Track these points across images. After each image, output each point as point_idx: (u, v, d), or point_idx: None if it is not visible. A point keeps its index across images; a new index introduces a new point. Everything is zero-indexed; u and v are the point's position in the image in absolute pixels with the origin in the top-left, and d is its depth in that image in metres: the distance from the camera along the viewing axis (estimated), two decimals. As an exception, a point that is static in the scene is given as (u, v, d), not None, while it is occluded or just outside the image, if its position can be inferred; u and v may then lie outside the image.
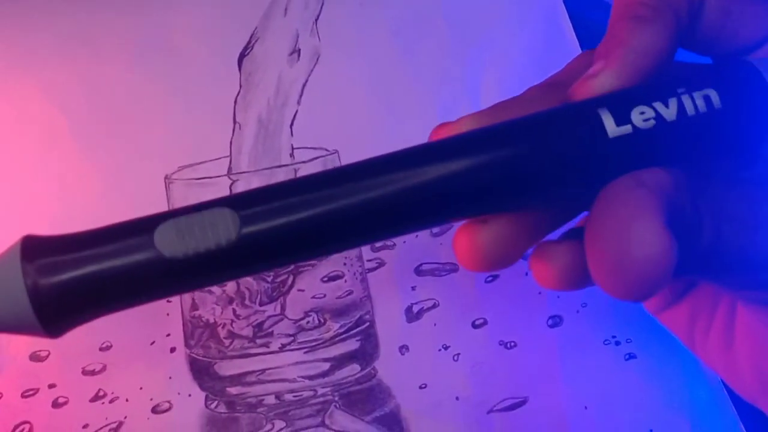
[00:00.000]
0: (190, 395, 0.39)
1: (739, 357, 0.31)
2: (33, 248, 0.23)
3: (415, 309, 0.42)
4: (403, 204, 0.24)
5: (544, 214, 0.25)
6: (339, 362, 0.41)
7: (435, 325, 0.42)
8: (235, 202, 0.23)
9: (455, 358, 0.41)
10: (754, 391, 0.32)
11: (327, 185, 0.24)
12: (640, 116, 0.24)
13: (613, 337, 0.42)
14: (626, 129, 0.24)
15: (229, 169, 0.43)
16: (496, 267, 0.25)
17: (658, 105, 0.24)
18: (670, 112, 0.24)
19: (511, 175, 0.24)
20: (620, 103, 0.24)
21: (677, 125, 0.24)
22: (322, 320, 0.41)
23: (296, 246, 0.24)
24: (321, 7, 0.47)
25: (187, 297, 0.41)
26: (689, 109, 0.24)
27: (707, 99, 0.25)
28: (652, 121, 0.24)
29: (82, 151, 0.44)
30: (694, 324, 0.33)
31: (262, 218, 0.23)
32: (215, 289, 0.41)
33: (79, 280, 0.22)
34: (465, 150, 0.24)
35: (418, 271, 0.43)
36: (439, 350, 0.41)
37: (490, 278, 0.43)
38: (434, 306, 0.42)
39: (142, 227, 0.23)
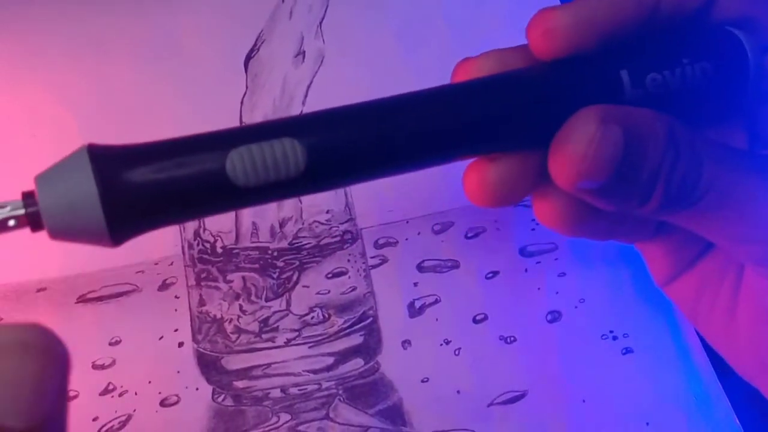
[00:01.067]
0: (197, 389, 0.39)
1: (740, 336, 0.32)
2: (102, 155, 0.23)
3: (417, 304, 0.42)
4: (445, 131, 0.26)
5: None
6: (343, 357, 0.41)
7: (437, 320, 0.42)
8: (302, 132, 0.25)
9: (456, 352, 0.41)
10: (751, 370, 0.33)
11: (382, 113, 0.26)
12: (652, 82, 0.27)
13: (611, 332, 0.42)
14: (639, 92, 0.27)
15: (236, 168, 0.44)
16: (501, 202, 0.27)
17: (667, 73, 0.27)
18: (675, 80, 0.27)
19: (536, 117, 0.27)
20: (639, 67, 0.27)
21: (677, 91, 0.27)
22: (326, 316, 0.41)
23: (355, 171, 0.26)
24: (325, 10, 0.47)
25: (194, 293, 0.41)
26: (689, 78, 0.27)
27: (703, 69, 0.27)
28: (660, 87, 0.27)
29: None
30: (699, 299, 0.34)
31: (327, 149, 0.25)
32: (222, 285, 0.41)
33: (150, 189, 0.23)
34: (502, 88, 0.27)
35: (420, 268, 0.43)
36: (441, 345, 0.41)
37: (491, 274, 0.43)
38: (436, 302, 0.42)
39: (215, 150, 0.24)
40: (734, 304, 0.32)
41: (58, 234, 0.23)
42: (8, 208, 0.23)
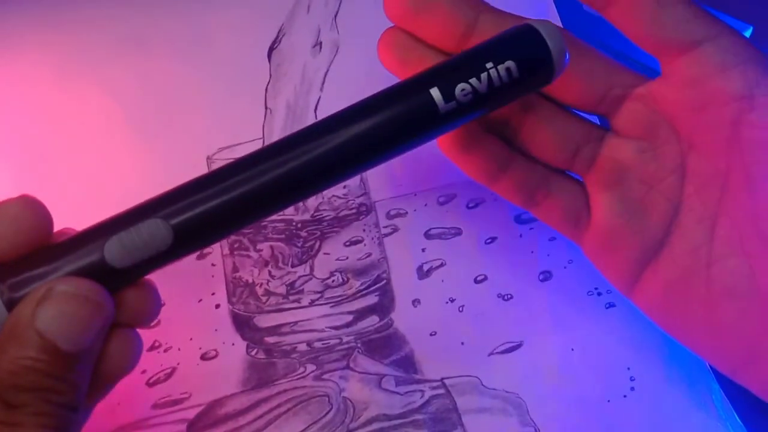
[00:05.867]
0: (233, 344, 0.41)
1: (722, 329, 0.34)
2: (4, 271, 0.27)
3: (425, 268, 0.43)
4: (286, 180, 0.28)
5: None
6: (360, 314, 0.42)
7: (442, 281, 0.43)
8: (165, 211, 0.27)
9: (460, 309, 0.43)
10: (733, 362, 0.35)
11: (232, 175, 0.28)
12: (461, 92, 0.29)
13: (596, 288, 0.43)
14: (452, 105, 0.29)
15: (262, 149, 0.45)
16: None
17: (474, 81, 0.29)
18: (482, 85, 0.29)
19: (373, 141, 0.29)
20: (447, 82, 0.29)
21: (488, 92, 0.29)
22: (345, 279, 0.43)
23: (218, 232, 0.28)
24: (339, 4, 0.48)
25: (228, 261, 0.43)
26: (495, 80, 0.29)
27: (508, 70, 0.29)
28: (470, 94, 0.29)
29: (136, 136, 0.45)
30: (669, 304, 0.36)
31: (189, 221, 0.27)
32: (253, 253, 0.43)
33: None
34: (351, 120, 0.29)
35: (428, 235, 0.44)
36: (446, 303, 0.43)
37: (489, 240, 0.44)
38: (442, 265, 0.43)
39: (92, 244, 0.27)
40: (709, 292, 0.34)
41: None
42: None
